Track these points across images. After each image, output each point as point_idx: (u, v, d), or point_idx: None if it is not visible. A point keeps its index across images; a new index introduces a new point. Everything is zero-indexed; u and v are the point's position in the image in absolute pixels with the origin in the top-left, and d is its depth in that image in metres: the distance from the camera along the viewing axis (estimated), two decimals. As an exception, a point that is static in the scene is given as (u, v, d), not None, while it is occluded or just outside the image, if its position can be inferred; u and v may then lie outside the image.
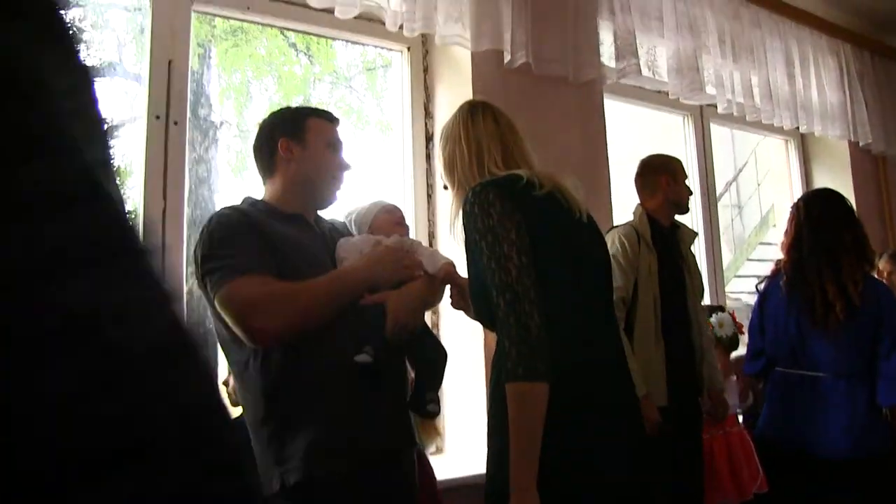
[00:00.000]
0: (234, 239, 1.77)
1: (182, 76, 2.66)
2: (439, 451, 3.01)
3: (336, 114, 2.12)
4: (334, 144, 2.01)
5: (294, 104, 2.28)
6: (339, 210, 2.15)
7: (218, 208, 1.91)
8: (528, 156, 1.89)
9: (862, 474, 2.61)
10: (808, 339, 2.72)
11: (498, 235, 1.63)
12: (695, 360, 2.87)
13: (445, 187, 1.97)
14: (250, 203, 1.95)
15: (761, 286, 3.01)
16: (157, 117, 2.59)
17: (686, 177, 3.06)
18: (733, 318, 3.58)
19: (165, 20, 2.66)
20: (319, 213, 2.08)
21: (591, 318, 1.76)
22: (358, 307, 1.81)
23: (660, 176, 2.99)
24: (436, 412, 1.95)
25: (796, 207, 2.91)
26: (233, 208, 1.89)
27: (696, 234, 3.16)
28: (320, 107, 2.14)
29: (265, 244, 1.79)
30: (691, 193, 3.07)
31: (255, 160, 2.04)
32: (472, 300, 1.81)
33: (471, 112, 1.93)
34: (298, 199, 1.97)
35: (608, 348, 1.79)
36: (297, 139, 1.95)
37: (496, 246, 1.63)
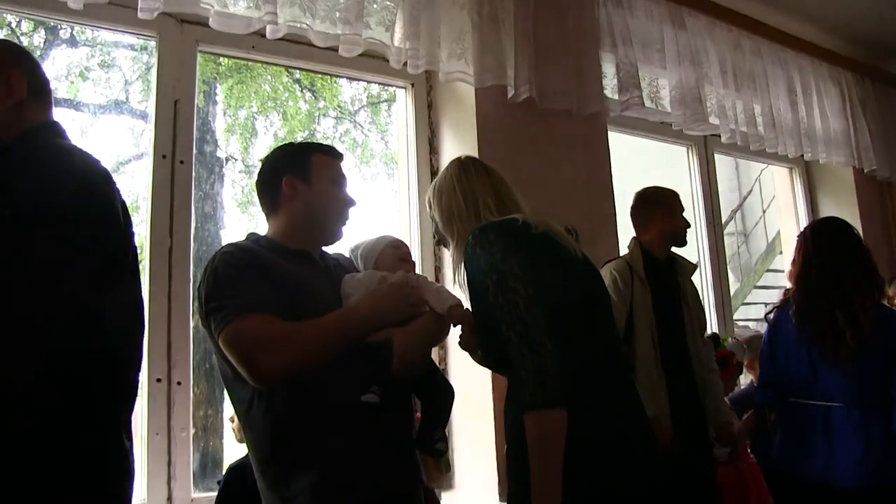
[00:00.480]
0: (238, 278, 1.76)
1: (188, 116, 2.69)
2: (449, 487, 2.99)
3: (340, 149, 2.12)
4: (338, 180, 2.00)
5: (298, 139, 2.28)
6: (343, 244, 2.14)
7: (223, 245, 1.90)
8: (520, 203, 1.93)
9: None
10: (820, 370, 2.69)
11: (503, 272, 1.66)
12: (698, 393, 2.83)
13: (438, 243, 2.03)
14: (254, 240, 1.93)
15: (770, 316, 2.99)
16: (164, 157, 2.61)
17: (683, 209, 3.05)
18: (741, 343, 3.57)
19: (171, 61, 2.69)
20: (324, 248, 2.07)
21: (599, 348, 1.78)
22: (364, 345, 1.79)
23: (655, 210, 2.98)
24: (444, 450, 1.93)
25: (803, 236, 2.89)
26: (236, 246, 1.88)
27: (695, 265, 3.13)
28: (325, 142, 2.14)
29: (270, 282, 1.77)
30: (689, 225, 3.06)
31: (259, 197, 2.04)
32: (478, 344, 1.85)
33: (462, 166, 1.98)
34: (303, 235, 1.95)
35: (619, 376, 1.81)
36: (301, 176, 1.94)
37: (502, 282, 1.65)
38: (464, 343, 1.96)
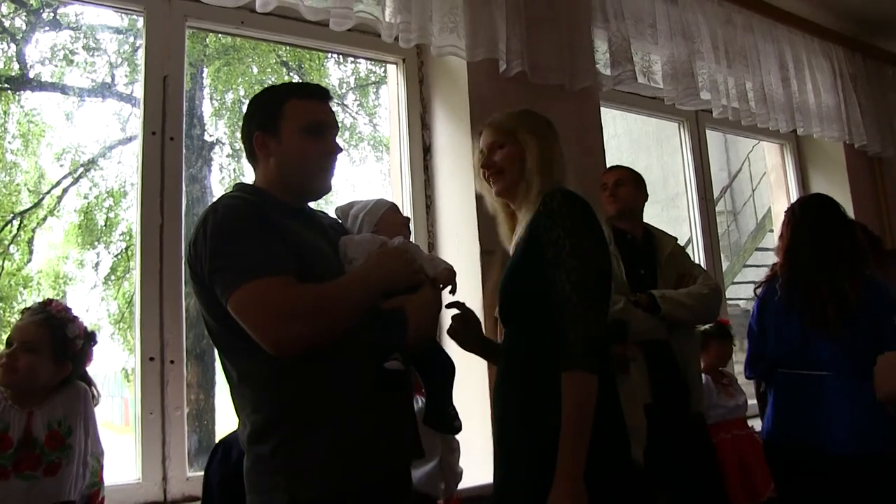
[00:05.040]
0: (248, 233, 1.61)
1: (177, 92, 2.66)
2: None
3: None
4: (315, 128, 1.79)
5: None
6: (328, 203, 2.06)
7: (220, 196, 1.74)
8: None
9: (867, 473, 2.60)
10: (810, 340, 2.73)
11: (584, 240, 1.79)
12: (678, 366, 2.79)
13: (489, 169, 2.04)
14: (250, 191, 1.77)
15: (759, 290, 3.01)
16: (154, 133, 2.58)
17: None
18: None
19: (159, 36, 2.65)
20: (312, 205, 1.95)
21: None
22: (376, 312, 1.71)
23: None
24: (460, 427, 1.91)
25: (791, 212, 2.94)
26: (239, 197, 1.71)
27: (675, 238, 3.07)
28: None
29: (281, 239, 1.63)
30: (624, 202, 2.99)
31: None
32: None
33: (551, 125, 2.12)
34: (286, 191, 1.79)
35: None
36: (272, 131, 1.77)
37: (581, 248, 1.77)
38: (454, 329, 2.11)
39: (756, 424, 3.32)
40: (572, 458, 1.64)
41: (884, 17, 4.98)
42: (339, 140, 1.86)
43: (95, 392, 2.13)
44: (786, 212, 2.98)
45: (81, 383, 2.10)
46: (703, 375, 3.18)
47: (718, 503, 2.81)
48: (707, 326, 3.46)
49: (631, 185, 3.01)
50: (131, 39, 6.76)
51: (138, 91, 2.67)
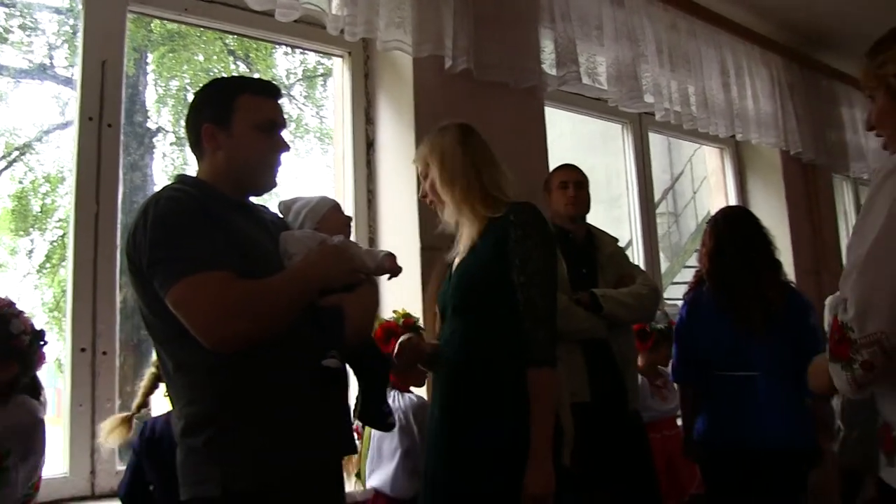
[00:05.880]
0: (190, 227, 1.59)
1: (116, 77, 2.60)
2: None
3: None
4: (267, 125, 1.79)
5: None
6: (270, 199, 2.04)
7: (162, 188, 1.70)
8: (511, 181, 2.17)
9: (792, 463, 2.77)
10: (740, 342, 2.85)
11: (550, 254, 2.06)
12: (617, 365, 2.79)
13: (426, 198, 2.21)
14: (192, 184, 1.74)
15: (686, 296, 3.12)
16: (90, 119, 2.52)
17: (563, 183, 2.98)
18: (665, 314, 3.66)
19: (99, 20, 2.59)
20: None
21: None
22: (314, 310, 1.71)
23: (545, 192, 3.03)
24: (395, 423, 1.93)
25: (715, 221, 3.08)
26: (180, 190, 1.68)
27: (615, 239, 3.09)
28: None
29: (223, 234, 1.62)
30: (568, 201, 2.95)
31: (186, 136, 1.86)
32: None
33: (463, 132, 2.20)
34: (231, 185, 1.78)
35: None
36: (222, 124, 1.75)
37: (549, 261, 2.04)
38: (402, 359, 2.19)
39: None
40: (545, 442, 1.90)
41: (822, 30, 5.14)
42: (285, 133, 1.85)
43: (43, 398, 2.04)
44: (708, 222, 3.13)
45: (33, 401, 1.99)
46: (639, 376, 3.23)
47: (654, 501, 2.85)
48: (661, 326, 3.52)
49: (587, 188, 3.01)
50: (71, 21, 6.56)
51: (78, 69, 2.59)
